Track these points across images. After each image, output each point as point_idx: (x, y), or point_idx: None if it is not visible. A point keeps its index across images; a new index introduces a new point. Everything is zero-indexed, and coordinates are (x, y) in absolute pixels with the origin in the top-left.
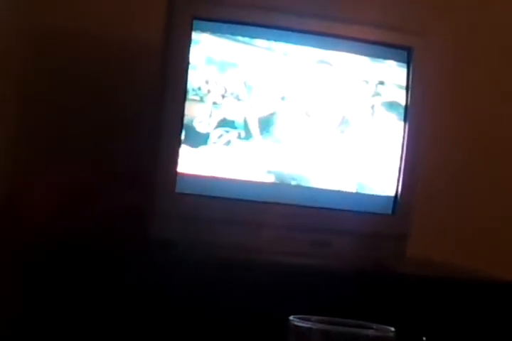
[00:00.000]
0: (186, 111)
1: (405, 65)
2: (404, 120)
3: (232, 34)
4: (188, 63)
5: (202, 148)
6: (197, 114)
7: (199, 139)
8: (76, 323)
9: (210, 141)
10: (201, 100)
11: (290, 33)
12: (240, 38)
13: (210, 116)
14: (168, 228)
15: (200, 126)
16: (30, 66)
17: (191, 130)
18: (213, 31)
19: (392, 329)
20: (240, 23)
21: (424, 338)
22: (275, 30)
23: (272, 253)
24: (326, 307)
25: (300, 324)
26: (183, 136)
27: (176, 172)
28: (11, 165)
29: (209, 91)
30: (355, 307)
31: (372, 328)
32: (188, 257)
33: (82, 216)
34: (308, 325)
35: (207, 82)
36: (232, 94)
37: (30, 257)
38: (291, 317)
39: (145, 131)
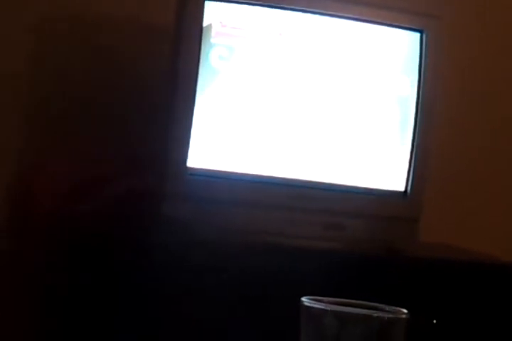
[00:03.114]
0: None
1: (418, 48)
2: (417, 103)
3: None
4: (200, 44)
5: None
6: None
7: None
8: (87, 307)
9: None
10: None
11: (302, 14)
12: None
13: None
14: (180, 210)
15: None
16: (42, 46)
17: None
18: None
19: (405, 311)
20: (253, 5)
21: (434, 321)
22: (287, 12)
23: (284, 236)
24: (339, 289)
25: (313, 305)
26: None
27: (187, 153)
28: (23, 149)
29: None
30: (368, 290)
31: (385, 310)
32: (199, 239)
33: (92, 199)
34: (321, 307)
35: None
36: (243, 77)
37: (42, 242)
38: (303, 299)
39: (157, 113)
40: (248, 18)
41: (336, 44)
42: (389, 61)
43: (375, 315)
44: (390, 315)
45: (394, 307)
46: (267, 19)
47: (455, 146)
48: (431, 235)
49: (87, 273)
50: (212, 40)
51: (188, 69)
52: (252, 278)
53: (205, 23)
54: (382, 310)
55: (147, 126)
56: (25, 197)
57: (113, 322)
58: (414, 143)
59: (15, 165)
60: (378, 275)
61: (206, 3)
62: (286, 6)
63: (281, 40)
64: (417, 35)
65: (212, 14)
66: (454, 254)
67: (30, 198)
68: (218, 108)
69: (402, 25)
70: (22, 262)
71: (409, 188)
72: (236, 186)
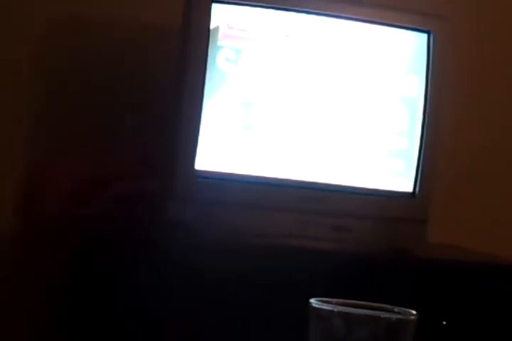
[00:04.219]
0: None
1: (425, 49)
2: (425, 104)
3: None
4: (207, 47)
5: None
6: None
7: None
8: (88, 307)
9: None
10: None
11: (308, 15)
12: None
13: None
14: (188, 212)
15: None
16: (47, 48)
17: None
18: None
19: (414, 312)
20: (260, 7)
21: (443, 322)
22: (294, 14)
23: (293, 238)
24: (347, 291)
25: (321, 307)
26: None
27: (195, 155)
28: (28, 151)
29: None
30: (376, 291)
31: (393, 311)
32: (207, 241)
33: (100, 201)
34: (329, 308)
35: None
36: (250, 79)
37: (48, 245)
38: (312, 300)
39: (165, 115)
40: (255, 20)
41: (343, 46)
42: (396, 62)
43: (383, 316)
44: (399, 316)
45: (402, 309)
46: (274, 21)
47: (463, 147)
48: (439, 236)
49: (90, 274)
50: (220, 43)
51: (196, 72)
52: (261, 280)
53: (212, 26)
54: (390, 311)
55: (155, 128)
56: (30, 199)
57: (114, 323)
58: (422, 144)
59: (19, 166)
60: (387, 277)
61: (213, 5)
62: (293, 8)
63: (288, 42)
64: (425, 35)
65: (220, 16)
66: (463, 255)
67: (34, 200)
68: (226, 110)
69: (410, 26)
70: (25, 262)
71: (417, 189)
72: (244, 188)
